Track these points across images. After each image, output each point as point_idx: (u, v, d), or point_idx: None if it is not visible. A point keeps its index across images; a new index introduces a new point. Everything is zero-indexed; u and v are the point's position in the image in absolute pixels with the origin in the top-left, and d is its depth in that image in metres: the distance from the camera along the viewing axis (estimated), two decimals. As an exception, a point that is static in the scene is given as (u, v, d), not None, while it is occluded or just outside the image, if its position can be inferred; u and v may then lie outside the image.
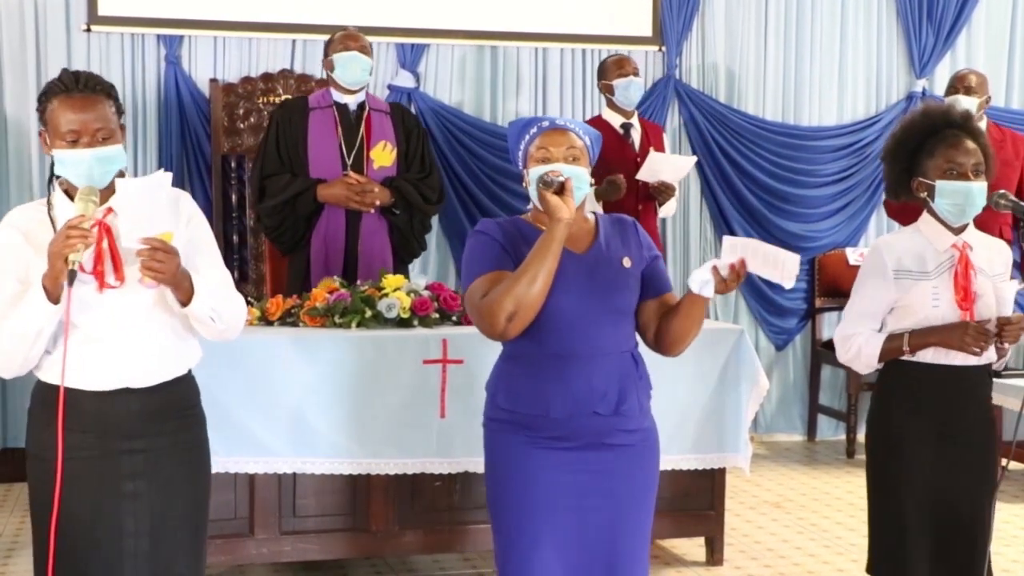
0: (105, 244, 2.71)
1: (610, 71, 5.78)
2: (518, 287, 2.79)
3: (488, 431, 2.98)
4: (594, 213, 3.05)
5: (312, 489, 4.19)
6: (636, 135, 5.77)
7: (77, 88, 2.76)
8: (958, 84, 5.96)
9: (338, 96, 5.14)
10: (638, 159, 5.66)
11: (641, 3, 6.56)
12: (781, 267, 2.74)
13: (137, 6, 5.94)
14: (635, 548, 2.95)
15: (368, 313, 4.25)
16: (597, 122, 5.71)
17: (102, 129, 2.74)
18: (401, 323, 4.25)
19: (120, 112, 2.83)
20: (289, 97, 5.74)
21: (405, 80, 6.26)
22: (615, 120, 5.74)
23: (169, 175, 2.79)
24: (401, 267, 5.22)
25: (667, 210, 5.85)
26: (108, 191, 2.77)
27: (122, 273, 2.72)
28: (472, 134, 6.35)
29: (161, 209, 2.75)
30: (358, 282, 4.48)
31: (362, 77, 5.11)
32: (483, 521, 4.28)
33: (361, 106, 5.15)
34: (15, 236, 2.77)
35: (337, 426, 4.10)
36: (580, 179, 2.88)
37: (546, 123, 2.95)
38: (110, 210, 2.74)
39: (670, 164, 5.68)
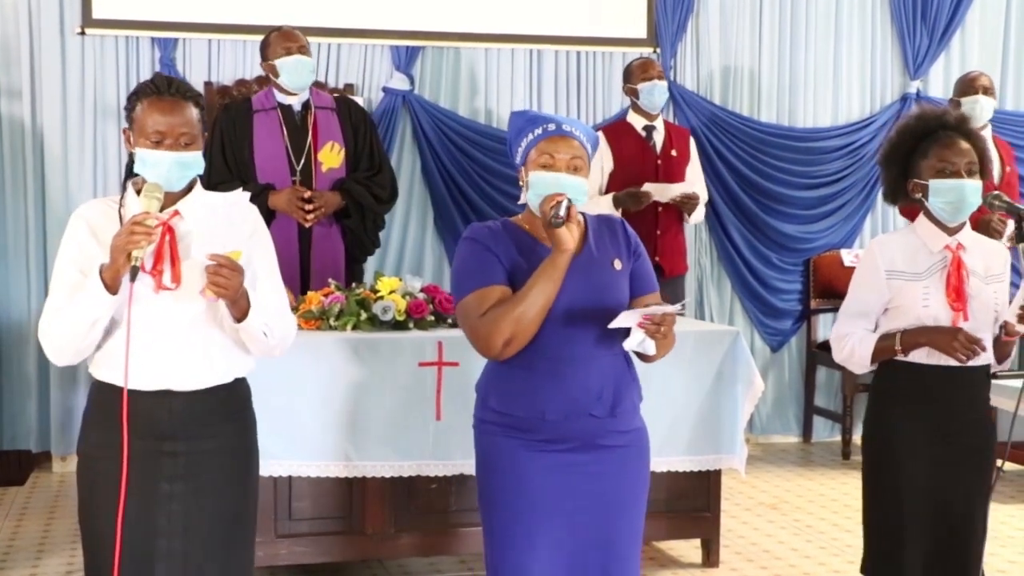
0: (166, 245, 2.74)
1: (634, 75, 5.78)
2: (516, 312, 2.79)
3: (479, 433, 2.98)
4: (582, 214, 2.99)
5: (307, 492, 4.18)
6: (659, 138, 5.77)
7: (168, 92, 2.79)
8: (976, 86, 5.81)
9: (281, 97, 5.08)
10: (658, 161, 5.68)
11: (635, 5, 6.56)
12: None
13: (131, 9, 5.93)
14: (628, 549, 2.95)
15: (363, 315, 4.25)
16: (621, 125, 5.79)
17: (186, 134, 2.78)
18: (396, 326, 4.25)
19: (204, 121, 2.86)
20: (230, 101, 5.58)
21: (400, 82, 6.25)
22: (638, 123, 5.76)
23: (246, 195, 2.92)
24: (355, 268, 5.20)
25: (696, 217, 5.86)
26: (181, 193, 2.82)
27: (179, 276, 2.74)
28: (467, 136, 6.35)
29: (228, 222, 2.83)
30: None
31: (309, 80, 5.07)
32: (479, 523, 4.27)
33: (305, 105, 5.09)
34: (83, 228, 2.81)
35: (332, 428, 4.10)
36: (580, 191, 2.86)
37: (552, 126, 2.90)
38: (176, 212, 2.78)
39: (666, 189, 5.65)
